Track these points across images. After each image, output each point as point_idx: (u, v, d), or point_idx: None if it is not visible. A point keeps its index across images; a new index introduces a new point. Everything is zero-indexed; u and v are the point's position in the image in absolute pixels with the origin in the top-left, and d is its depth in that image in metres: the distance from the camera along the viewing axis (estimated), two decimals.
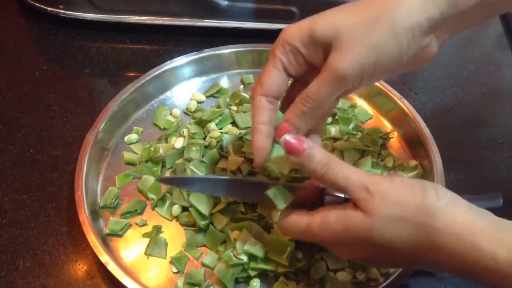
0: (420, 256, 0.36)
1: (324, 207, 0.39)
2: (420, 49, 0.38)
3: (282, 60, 0.40)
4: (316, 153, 0.38)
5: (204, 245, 0.49)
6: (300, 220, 0.39)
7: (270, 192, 0.41)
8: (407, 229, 0.35)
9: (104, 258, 0.45)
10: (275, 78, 0.41)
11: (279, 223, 0.42)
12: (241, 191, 0.46)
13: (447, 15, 0.37)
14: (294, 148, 0.38)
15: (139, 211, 0.52)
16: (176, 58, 0.63)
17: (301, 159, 0.38)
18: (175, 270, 0.48)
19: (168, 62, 0.62)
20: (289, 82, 0.43)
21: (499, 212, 0.54)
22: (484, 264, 0.33)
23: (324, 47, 0.38)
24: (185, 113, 0.61)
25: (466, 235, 0.33)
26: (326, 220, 0.38)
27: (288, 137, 0.38)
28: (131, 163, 0.56)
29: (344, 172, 0.37)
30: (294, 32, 0.39)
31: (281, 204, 0.40)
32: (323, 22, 0.38)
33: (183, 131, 0.58)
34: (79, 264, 0.49)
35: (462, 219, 0.34)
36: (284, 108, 0.43)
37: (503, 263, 0.32)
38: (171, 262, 0.48)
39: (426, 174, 0.54)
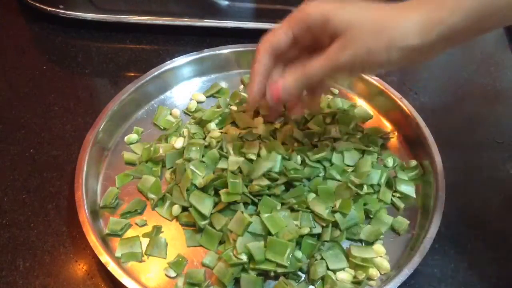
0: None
1: None
2: (411, 60, 0.43)
3: (294, 30, 0.45)
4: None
5: (200, 245, 0.49)
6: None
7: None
8: None
9: (104, 258, 0.45)
10: (282, 42, 0.46)
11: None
12: None
13: (441, 37, 0.40)
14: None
15: (139, 211, 0.52)
16: (176, 58, 0.63)
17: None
18: (173, 275, 0.47)
19: (168, 62, 0.62)
20: None
21: (500, 212, 0.55)
22: None
23: (333, 34, 0.43)
24: (185, 113, 0.61)
25: None
26: None
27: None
28: (131, 163, 0.56)
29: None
30: (316, 11, 0.43)
31: None
32: (343, 15, 0.42)
33: (183, 131, 0.58)
34: (79, 264, 0.49)
35: None
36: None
37: None
38: (169, 266, 0.48)
39: (426, 174, 0.54)
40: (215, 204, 0.50)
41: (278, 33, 0.46)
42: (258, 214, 0.49)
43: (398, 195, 0.53)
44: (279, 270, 0.46)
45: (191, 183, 0.50)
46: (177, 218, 0.51)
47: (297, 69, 0.45)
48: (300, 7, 0.45)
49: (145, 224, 0.51)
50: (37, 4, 0.71)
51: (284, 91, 0.45)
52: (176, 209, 0.51)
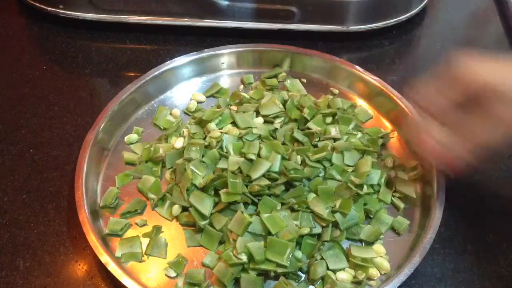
0: None
1: None
2: None
3: (455, 97, 0.43)
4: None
5: (200, 245, 0.49)
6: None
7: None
8: None
9: (104, 258, 0.46)
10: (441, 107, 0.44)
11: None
12: None
13: None
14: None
15: (139, 211, 0.52)
16: (176, 58, 0.63)
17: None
18: (173, 275, 0.48)
19: (168, 62, 0.62)
20: None
21: (500, 212, 0.55)
22: None
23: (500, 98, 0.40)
24: (185, 113, 0.62)
25: None
26: None
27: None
28: (131, 163, 0.56)
29: None
30: (480, 80, 0.41)
31: None
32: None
33: (183, 131, 0.58)
34: (79, 264, 0.49)
35: None
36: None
37: None
38: (169, 266, 0.48)
39: (426, 174, 0.54)
40: (215, 204, 0.50)
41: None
42: (258, 214, 0.49)
43: (398, 195, 0.54)
44: (279, 270, 0.46)
45: (191, 183, 0.50)
46: (177, 218, 0.52)
47: (467, 141, 0.43)
48: (455, 73, 0.42)
49: (145, 224, 0.51)
50: (37, 4, 0.71)
51: (461, 164, 0.44)
52: (176, 209, 0.51)
